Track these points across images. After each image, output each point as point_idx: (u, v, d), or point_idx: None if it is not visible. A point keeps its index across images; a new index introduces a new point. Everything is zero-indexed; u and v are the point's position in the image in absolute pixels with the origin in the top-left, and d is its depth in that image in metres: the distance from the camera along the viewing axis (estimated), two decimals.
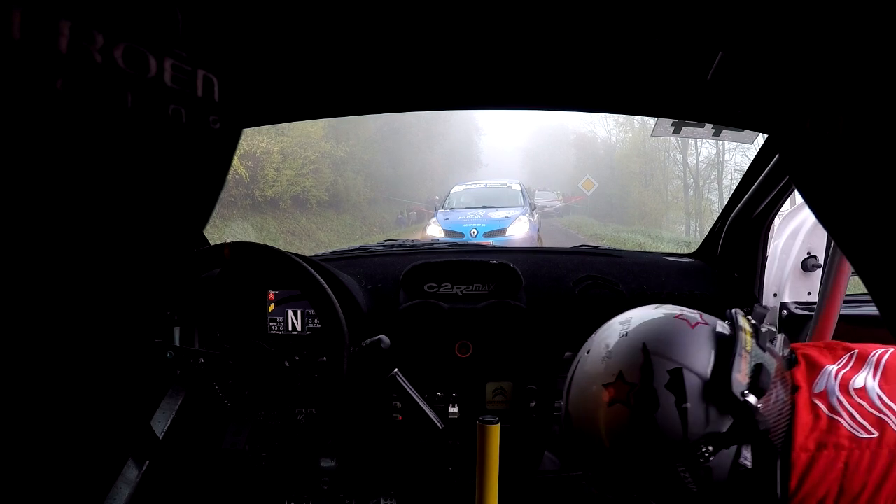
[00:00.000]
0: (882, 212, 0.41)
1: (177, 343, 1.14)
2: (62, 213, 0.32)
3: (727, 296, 1.37)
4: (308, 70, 0.89)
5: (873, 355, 0.76)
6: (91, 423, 0.83)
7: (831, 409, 0.71)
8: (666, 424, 0.70)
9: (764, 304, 1.38)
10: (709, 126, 1.18)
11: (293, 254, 1.12)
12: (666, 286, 1.39)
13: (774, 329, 0.84)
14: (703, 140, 13.07)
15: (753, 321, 0.79)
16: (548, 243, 10.82)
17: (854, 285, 1.15)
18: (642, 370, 0.72)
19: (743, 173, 1.35)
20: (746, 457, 0.70)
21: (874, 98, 0.40)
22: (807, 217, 1.36)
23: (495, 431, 0.86)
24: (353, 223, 15.59)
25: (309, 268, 1.07)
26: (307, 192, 13.26)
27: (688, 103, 1.04)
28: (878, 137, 0.40)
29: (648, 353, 0.73)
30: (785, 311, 1.35)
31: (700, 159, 19.66)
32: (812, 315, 1.17)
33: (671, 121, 1.19)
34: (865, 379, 0.73)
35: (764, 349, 0.75)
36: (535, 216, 10.63)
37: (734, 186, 1.40)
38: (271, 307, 1.31)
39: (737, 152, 17.28)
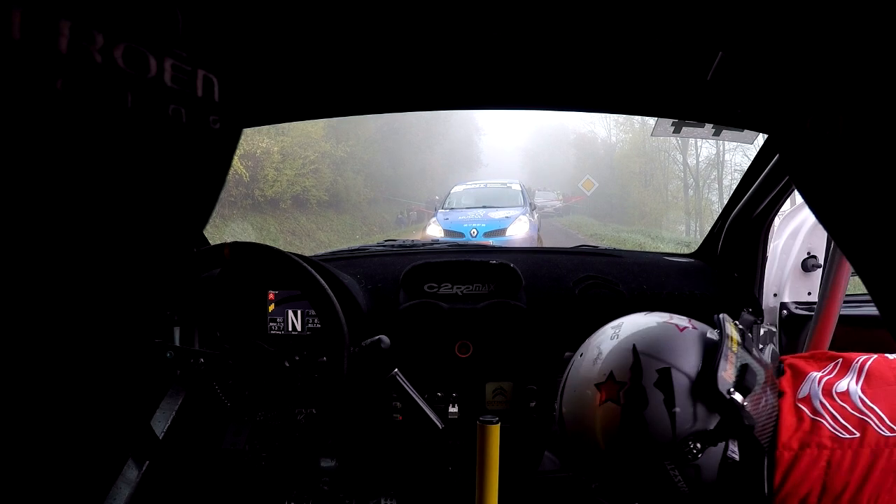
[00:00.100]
0: (882, 212, 0.41)
1: (177, 343, 1.14)
2: (62, 214, 0.32)
3: (727, 296, 1.37)
4: (308, 70, 0.89)
5: (857, 362, 0.78)
6: (91, 423, 0.83)
7: (814, 411, 0.74)
8: (655, 421, 0.73)
9: (764, 304, 1.38)
10: (709, 126, 1.18)
11: (293, 254, 1.12)
12: (666, 286, 1.39)
13: (774, 329, 0.86)
14: (703, 140, 13.08)
15: (741, 326, 0.83)
16: (548, 243, 10.82)
17: (854, 285, 1.15)
18: (632, 370, 0.75)
19: (743, 173, 1.35)
20: (734, 450, 0.73)
21: (874, 98, 0.40)
22: (807, 217, 1.36)
23: (495, 431, 0.86)
24: (353, 223, 15.60)
25: (309, 268, 1.07)
26: (307, 192, 13.26)
27: (688, 103, 1.04)
28: (878, 137, 0.40)
29: (638, 354, 0.76)
30: (785, 311, 1.36)
31: (700, 159, 19.68)
32: (812, 315, 1.17)
33: (671, 121, 1.19)
34: (848, 384, 0.75)
35: (750, 352, 0.78)
36: (535, 216, 10.63)
37: (734, 186, 1.40)
38: (271, 307, 1.31)
39: (737, 152, 17.29)
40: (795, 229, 1.37)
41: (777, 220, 1.39)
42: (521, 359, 1.32)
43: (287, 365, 1.10)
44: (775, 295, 1.37)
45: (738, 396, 0.72)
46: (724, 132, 1.19)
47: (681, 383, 0.73)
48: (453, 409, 1.30)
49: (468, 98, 1.12)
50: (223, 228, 10.47)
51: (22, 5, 0.28)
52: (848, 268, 1.08)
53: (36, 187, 0.31)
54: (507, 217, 9.03)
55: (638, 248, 7.40)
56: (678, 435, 0.72)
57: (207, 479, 1.27)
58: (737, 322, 0.83)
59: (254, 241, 1.48)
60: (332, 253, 1.61)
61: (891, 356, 0.79)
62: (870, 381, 0.75)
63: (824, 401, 0.74)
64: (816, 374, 0.78)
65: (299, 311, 1.31)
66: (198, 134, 0.37)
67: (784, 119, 0.45)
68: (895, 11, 0.38)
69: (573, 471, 1.23)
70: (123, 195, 0.35)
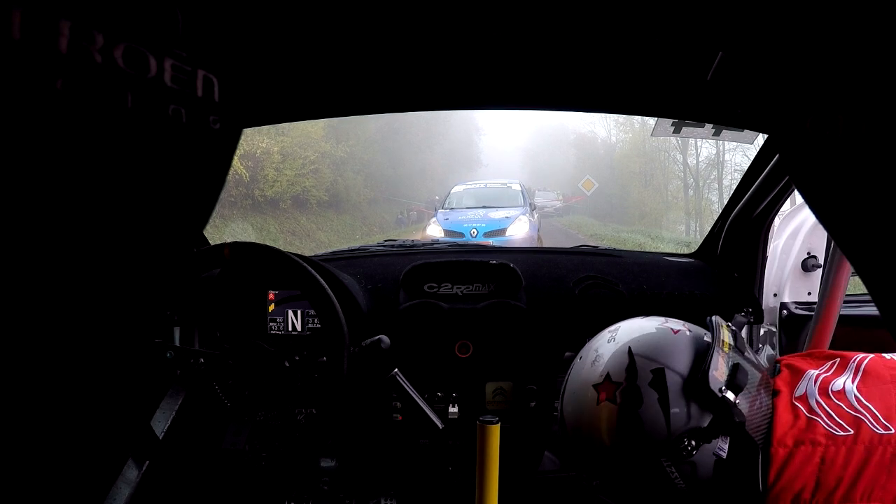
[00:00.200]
0: (882, 212, 0.41)
1: (177, 343, 1.14)
2: (62, 214, 0.32)
3: (727, 296, 1.37)
4: (308, 70, 0.89)
5: (854, 360, 0.81)
6: (91, 423, 0.83)
7: (810, 410, 0.76)
8: (650, 420, 0.76)
9: (764, 304, 1.38)
10: (709, 126, 1.18)
11: (293, 254, 1.12)
12: (666, 286, 1.39)
13: (774, 329, 0.87)
14: (703, 140, 13.07)
15: (733, 328, 0.85)
16: (548, 243, 10.82)
17: (854, 285, 1.15)
18: (627, 370, 0.79)
19: (743, 173, 1.35)
20: (722, 448, 0.75)
21: (874, 98, 0.40)
22: (807, 217, 1.36)
23: (495, 431, 0.86)
24: (353, 223, 15.59)
25: (309, 268, 1.07)
26: (307, 192, 13.26)
27: (688, 103, 1.04)
28: (878, 137, 0.40)
29: (633, 356, 0.79)
30: (785, 311, 1.36)
31: (700, 159, 19.67)
32: (812, 315, 1.17)
33: (671, 121, 1.19)
34: (845, 382, 0.77)
35: (742, 353, 0.81)
36: (535, 216, 10.63)
37: (734, 186, 1.40)
38: (271, 307, 1.31)
39: (737, 152, 17.29)
40: (795, 229, 1.37)
41: (777, 220, 1.39)
42: (521, 359, 1.32)
43: (287, 365, 1.10)
44: (775, 295, 1.37)
45: (729, 395, 0.75)
46: (724, 132, 1.19)
47: (674, 382, 0.76)
48: (453, 409, 1.30)
49: (468, 98, 1.12)
50: (223, 228, 10.47)
51: (22, 5, 0.28)
52: (848, 268, 1.08)
53: (36, 187, 0.31)
54: (507, 217, 9.03)
55: (638, 248, 7.40)
56: (673, 432, 0.75)
57: (207, 479, 1.27)
58: (729, 324, 0.86)
59: (254, 241, 1.48)
60: (332, 253, 1.61)
61: (888, 356, 0.81)
62: (866, 380, 0.77)
63: (820, 399, 0.76)
64: (814, 373, 0.80)
65: (299, 311, 1.31)
66: (198, 134, 0.37)
67: (784, 119, 0.45)
68: (895, 11, 0.38)
69: (574, 469, 1.24)
70: (124, 195, 0.35)
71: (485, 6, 0.70)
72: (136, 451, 1.06)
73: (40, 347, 0.35)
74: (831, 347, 1.14)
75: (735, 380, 0.76)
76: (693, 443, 0.74)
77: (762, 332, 1.34)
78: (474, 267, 1.36)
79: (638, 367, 0.78)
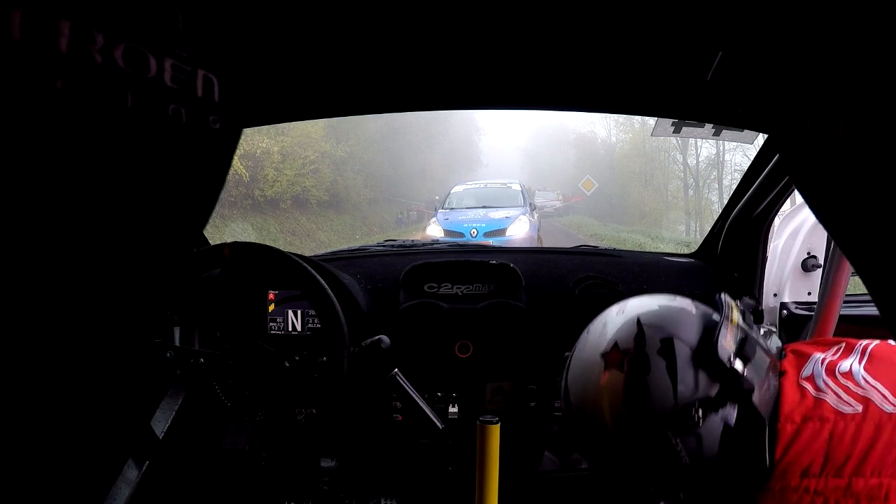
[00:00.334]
0: (882, 212, 0.41)
1: (177, 343, 1.14)
2: (62, 213, 0.32)
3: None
4: (308, 70, 0.89)
5: (860, 345, 0.80)
6: (91, 423, 0.83)
7: (817, 389, 0.75)
8: (657, 388, 0.74)
9: (764, 304, 1.38)
10: (709, 126, 1.18)
11: (293, 254, 1.12)
12: (666, 286, 1.39)
13: (774, 329, 0.86)
14: (703, 140, 13.07)
15: (741, 307, 0.85)
16: (548, 243, 10.82)
17: (854, 285, 1.15)
18: (636, 339, 0.77)
19: (743, 173, 1.35)
20: (731, 414, 0.74)
21: (874, 98, 0.40)
22: (807, 217, 1.36)
23: (495, 431, 0.86)
24: (353, 223, 15.59)
25: (309, 268, 1.07)
26: (307, 192, 13.26)
27: (688, 103, 1.04)
28: (878, 137, 0.40)
29: (642, 325, 0.78)
30: (785, 311, 1.36)
31: (700, 159, 19.68)
32: (812, 315, 1.17)
33: (671, 121, 1.19)
34: (851, 364, 0.77)
35: (750, 328, 0.80)
36: (535, 216, 10.63)
37: (734, 186, 1.40)
38: (271, 307, 1.31)
39: (737, 152, 17.30)
40: (795, 229, 1.37)
41: (777, 220, 1.39)
42: (521, 359, 1.32)
43: (287, 365, 1.10)
44: (775, 295, 1.37)
45: (738, 365, 0.74)
46: (724, 132, 1.19)
47: (683, 351, 0.75)
48: (453, 409, 1.30)
49: (468, 98, 1.12)
50: (223, 228, 10.47)
51: (22, 5, 0.28)
52: (848, 268, 1.08)
53: (36, 187, 0.31)
54: (507, 217, 9.03)
55: (638, 248, 7.40)
56: (680, 402, 0.73)
57: (207, 479, 1.27)
58: (738, 302, 0.85)
59: (254, 241, 1.48)
60: (332, 253, 1.61)
61: (893, 342, 0.80)
62: (872, 362, 0.76)
63: (827, 379, 0.76)
64: (820, 355, 0.80)
65: (299, 311, 1.31)
66: (198, 134, 0.37)
67: (784, 119, 0.45)
68: (895, 11, 0.38)
69: (576, 465, 1.23)
70: (124, 195, 0.35)
71: (485, 6, 0.70)
72: (136, 451, 1.06)
73: (41, 347, 0.35)
74: None
75: (743, 351, 0.75)
76: (700, 413, 0.73)
77: (762, 332, 1.34)
78: (474, 267, 1.36)
79: (647, 335, 0.77)
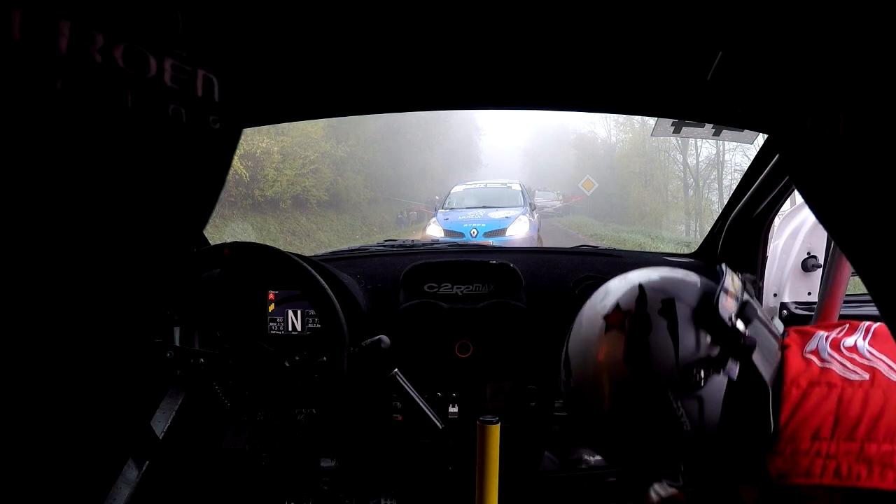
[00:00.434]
0: (882, 212, 0.41)
1: (177, 343, 1.14)
2: (62, 214, 0.32)
3: None
4: (308, 70, 0.89)
5: (863, 324, 0.80)
6: (91, 423, 0.83)
7: (822, 360, 0.75)
8: (658, 347, 0.74)
9: (764, 304, 1.38)
10: (709, 126, 1.18)
11: (293, 254, 1.12)
12: None
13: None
14: (703, 140, 13.07)
15: (742, 278, 0.85)
16: (548, 243, 10.82)
17: (854, 285, 1.15)
18: (637, 300, 0.77)
19: (743, 173, 1.35)
20: (733, 373, 0.73)
21: (874, 98, 0.40)
22: (807, 217, 1.36)
23: (495, 431, 0.86)
24: (353, 223, 15.60)
25: (309, 268, 1.07)
26: (307, 192, 13.26)
27: (688, 103, 1.04)
28: (878, 137, 0.40)
29: (643, 288, 0.78)
30: (785, 311, 1.35)
31: (700, 159, 19.68)
32: (812, 315, 1.17)
33: (671, 121, 1.19)
34: (856, 340, 0.77)
35: (751, 297, 0.80)
36: (535, 216, 10.63)
37: (734, 186, 1.40)
38: (271, 307, 1.31)
39: (737, 152, 17.30)
40: (795, 229, 1.37)
41: (777, 220, 1.39)
42: (521, 359, 1.32)
43: (287, 365, 1.10)
44: (775, 295, 1.37)
45: (739, 325, 0.74)
46: (724, 132, 1.19)
47: (684, 312, 0.75)
48: (453, 409, 1.30)
49: (468, 98, 1.12)
50: (223, 228, 10.47)
51: (22, 5, 0.28)
52: (848, 268, 1.08)
53: (36, 187, 0.31)
54: (507, 217, 9.03)
55: (638, 248, 7.40)
56: (681, 361, 0.73)
57: (207, 479, 1.27)
58: (738, 274, 0.85)
59: (254, 241, 1.48)
60: (332, 253, 1.61)
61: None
62: (877, 338, 0.76)
63: (832, 352, 0.75)
64: (824, 333, 0.79)
65: (299, 311, 1.31)
66: (198, 134, 0.37)
67: (784, 119, 0.45)
68: (895, 11, 0.38)
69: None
70: (124, 195, 0.35)
71: (485, 6, 0.70)
72: (136, 451, 1.06)
73: (41, 347, 0.35)
74: None
75: (744, 312, 0.75)
76: (702, 373, 0.72)
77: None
78: (474, 267, 1.36)
79: (648, 297, 0.77)
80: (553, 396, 1.29)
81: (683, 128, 1.21)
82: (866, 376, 0.70)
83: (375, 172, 17.50)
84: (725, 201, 1.45)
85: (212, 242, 1.21)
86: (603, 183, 19.92)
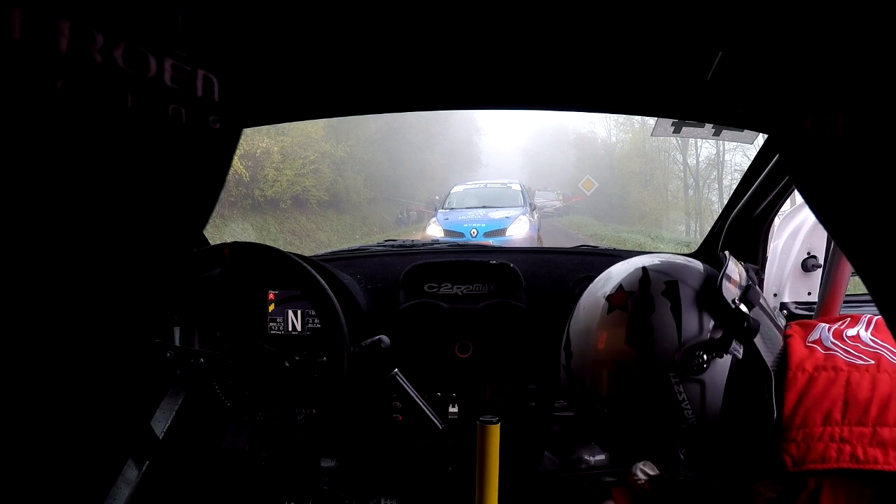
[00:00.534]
0: (882, 212, 0.41)
1: (177, 343, 1.14)
2: (62, 214, 0.32)
3: None
4: (308, 70, 0.89)
5: (865, 316, 0.80)
6: (91, 423, 0.83)
7: (826, 348, 0.74)
8: (661, 326, 0.73)
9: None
10: (709, 126, 1.18)
11: (293, 254, 1.12)
12: None
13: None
14: (703, 140, 13.07)
15: (744, 266, 0.84)
16: (548, 243, 10.82)
17: (854, 285, 1.15)
18: (641, 281, 0.77)
19: (743, 173, 1.35)
20: (737, 349, 0.73)
21: (874, 98, 0.40)
22: (807, 217, 1.36)
23: (495, 431, 0.86)
24: (353, 223, 15.59)
25: (309, 268, 1.07)
26: (307, 192, 13.26)
27: (688, 103, 1.04)
28: (878, 137, 0.40)
29: (647, 270, 0.78)
30: (785, 311, 1.35)
31: (700, 159, 19.68)
32: (812, 315, 1.17)
33: (671, 121, 1.19)
34: (858, 331, 0.76)
35: (753, 283, 0.79)
36: (535, 216, 10.63)
37: (734, 186, 1.40)
38: (271, 307, 1.31)
39: (737, 152, 17.30)
40: (795, 229, 1.37)
41: (777, 220, 1.39)
42: (521, 359, 1.32)
43: (287, 365, 1.10)
44: (775, 295, 1.37)
45: (743, 307, 0.73)
46: (724, 132, 1.19)
47: (687, 293, 0.75)
48: (453, 409, 1.30)
49: (468, 98, 1.12)
50: (223, 228, 10.46)
51: (22, 5, 0.28)
52: (848, 268, 1.08)
53: (36, 187, 0.31)
54: (507, 217, 9.04)
55: (638, 248, 7.39)
56: (684, 342, 0.72)
57: (207, 479, 1.27)
58: (741, 262, 0.84)
59: (254, 241, 1.48)
60: (332, 253, 1.61)
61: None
62: (879, 329, 0.76)
63: (835, 341, 0.74)
64: (825, 324, 0.79)
65: (299, 311, 1.31)
66: (198, 134, 0.37)
67: (784, 119, 0.45)
68: (895, 11, 0.38)
69: (574, 469, 1.22)
70: (124, 195, 0.35)
71: (485, 6, 0.70)
72: (136, 451, 1.06)
73: (41, 347, 0.35)
74: None
75: (747, 296, 0.75)
76: (704, 356, 0.72)
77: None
78: (474, 267, 1.36)
79: (652, 279, 0.76)
80: (553, 396, 1.29)
81: (683, 128, 1.21)
82: (871, 361, 0.70)
83: (375, 172, 17.50)
84: (725, 201, 1.45)
85: (212, 242, 1.21)
86: (603, 183, 19.93)
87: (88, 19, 0.31)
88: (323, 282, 1.07)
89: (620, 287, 0.78)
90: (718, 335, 0.73)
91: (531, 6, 0.70)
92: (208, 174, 0.39)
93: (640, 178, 22.37)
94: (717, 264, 0.85)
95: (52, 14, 0.29)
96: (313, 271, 1.07)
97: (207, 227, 0.69)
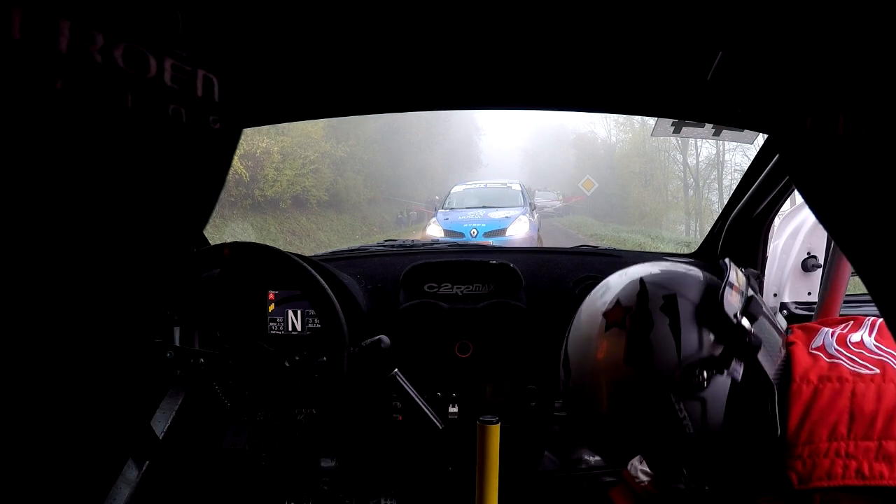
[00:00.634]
0: (882, 212, 0.41)
1: (177, 343, 1.14)
2: (62, 214, 0.32)
3: None
4: (308, 70, 0.89)
5: (868, 320, 0.78)
6: (91, 423, 0.83)
7: (830, 356, 0.72)
8: (660, 345, 0.71)
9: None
10: (709, 126, 1.17)
11: (293, 254, 1.12)
12: None
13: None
14: (703, 140, 13.08)
15: (745, 273, 0.82)
16: (548, 243, 10.82)
17: (854, 285, 1.15)
18: (639, 296, 0.74)
19: (743, 173, 1.35)
20: (737, 374, 0.70)
21: (874, 98, 0.40)
22: (807, 217, 1.36)
23: (495, 431, 0.86)
24: (353, 223, 15.60)
25: (309, 268, 1.07)
26: (307, 192, 13.26)
27: (688, 103, 1.04)
28: (878, 137, 0.40)
29: (644, 283, 0.75)
30: (785, 311, 1.35)
31: (700, 159, 19.69)
32: (812, 315, 1.17)
33: (671, 121, 1.19)
34: (862, 336, 0.74)
35: (755, 292, 0.77)
36: (535, 216, 10.63)
37: (734, 186, 1.40)
38: (271, 307, 1.31)
39: (737, 152, 17.31)
40: (795, 229, 1.37)
41: (777, 220, 1.39)
42: (521, 359, 1.32)
43: (287, 365, 1.10)
44: (775, 295, 1.37)
45: (745, 322, 0.71)
46: (724, 132, 1.19)
47: (686, 308, 0.72)
48: (453, 409, 1.30)
49: (468, 98, 1.12)
50: (223, 228, 10.47)
51: (22, 5, 0.28)
52: (848, 268, 1.08)
53: (36, 187, 0.31)
54: (507, 217, 9.04)
55: (638, 248, 7.40)
56: (683, 360, 0.70)
57: (207, 479, 1.27)
58: (742, 269, 0.82)
59: (254, 241, 1.48)
60: (332, 253, 1.61)
61: None
62: (883, 334, 0.74)
63: (839, 347, 0.73)
64: (828, 329, 0.77)
65: (299, 311, 1.31)
66: (198, 134, 0.37)
67: (784, 119, 0.45)
68: (895, 11, 0.38)
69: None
70: (123, 195, 0.35)
71: (485, 6, 0.70)
72: (136, 451, 1.06)
73: (41, 347, 0.35)
74: None
75: (749, 308, 0.72)
76: (704, 374, 0.69)
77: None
78: (474, 267, 1.36)
79: (650, 293, 0.74)
80: (553, 396, 1.29)
81: (683, 128, 1.21)
82: (876, 370, 0.68)
83: (375, 172, 17.51)
84: (725, 201, 1.45)
85: (212, 242, 1.21)
86: (603, 183, 19.94)
87: (88, 19, 0.31)
88: (323, 282, 1.07)
89: (618, 302, 0.76)
90: (719, 351, 0.71)
91: (531, 6, 0.70)
92: (208, 174, 0.39)
93: (640, 178, 22.38)
94: (717, 265, 0.85)
95: (52, 14, 0.29)
96: (313, 271, 1.07)
97: (207, 227, 0.69)
